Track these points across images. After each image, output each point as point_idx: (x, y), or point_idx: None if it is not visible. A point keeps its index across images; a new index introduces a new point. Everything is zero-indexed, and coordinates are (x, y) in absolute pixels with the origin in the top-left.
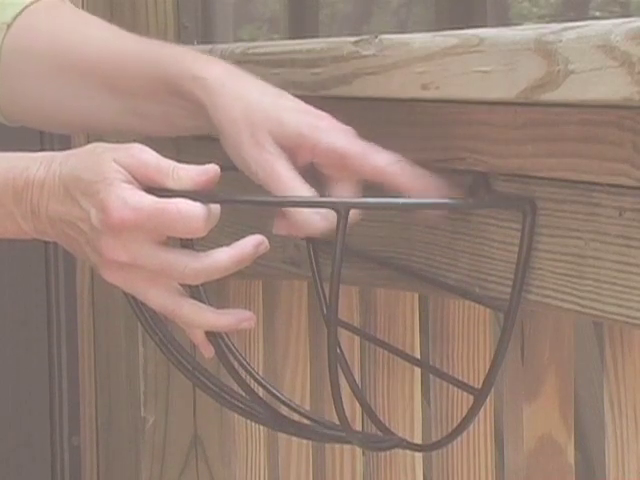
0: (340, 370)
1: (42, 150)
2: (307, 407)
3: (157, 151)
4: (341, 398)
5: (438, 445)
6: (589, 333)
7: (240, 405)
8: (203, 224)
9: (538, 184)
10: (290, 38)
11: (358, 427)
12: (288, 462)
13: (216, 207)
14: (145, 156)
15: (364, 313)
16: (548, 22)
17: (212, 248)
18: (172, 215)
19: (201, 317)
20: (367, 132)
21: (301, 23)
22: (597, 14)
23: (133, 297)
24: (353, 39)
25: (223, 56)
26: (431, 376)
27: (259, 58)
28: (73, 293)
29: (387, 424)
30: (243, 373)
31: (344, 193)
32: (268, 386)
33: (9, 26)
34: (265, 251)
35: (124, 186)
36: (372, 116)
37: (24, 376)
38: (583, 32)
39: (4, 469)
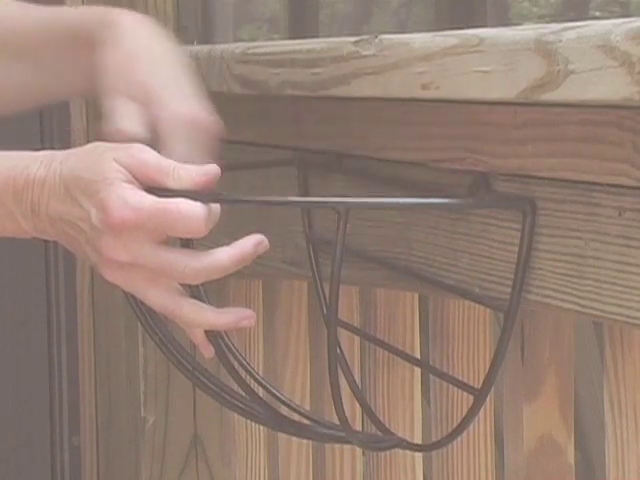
0: (340, 370)
1: (42, 149)
2: (307, 407)
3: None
4: (341, 398)
5: (438, 445)
6: (589, 333)
7: (240, 405)
8: (204, 224)
9: (538, 184)
10: (290, 38)
11: (358, 427)
12: (288, 462)
13: (216, 207)
14: (145, 156)
15: (364, 313)
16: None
17: (212, 248)
18: (173, 215)
19: (201, 316)
20: (367, 132)
21: (301, 23)
22: (597, 14)
23: (133, 297)
24: (353, 39)
25: (223, 56)
26: (431, 376)
27: (259, 58)
28: (73, 293)
29: (387, 424)
30: (243, 373)
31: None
32: (268, 386)
33: None
34: (265, 250)
35: (125, 186)
36: (372, 116)
37: (24, 376)
38: (583, 32)
39: (4, 469)
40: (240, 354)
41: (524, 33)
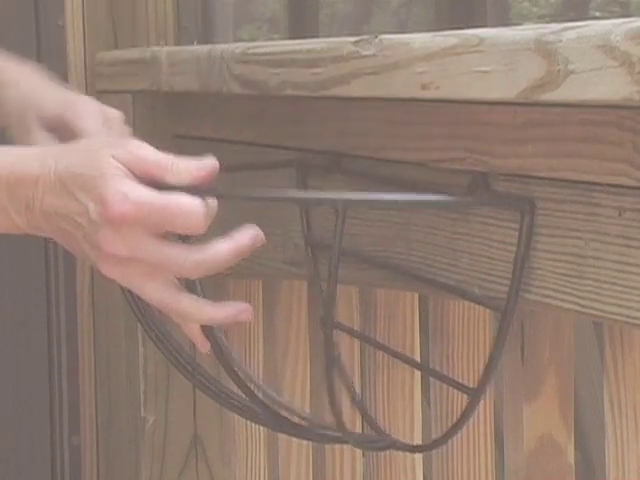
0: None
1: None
2: (307, 406)
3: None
4: (338, 399)
5: (433, 445)
6: (589, 333)
7: (238, 405)
8: (203, 220)
9: (538, 184)
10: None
11: (358, 428)
12: (288, 462)
13: (213, 202)
14: (143, 152)
15: (364, 313)
16: (548, 22)
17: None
18: (173, 210)
19: (200, 310)
20: (367, 132)
21: (301, 23)
22: (597, 14)
23: (131, 293)
24: (353, 39)
25: (223, 56)
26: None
27: (259, 58)
28: (73, 293)
29: (387, 424)
30: (242, 373)
31: None
32: (266, 389)
33: None
34: (262, 244)
35: (124, 181)
36: (372, 116)
37: (24, 376)
38: (583, 32)
39: (4, 469)
40: (237, 355)
41: (524, 33)
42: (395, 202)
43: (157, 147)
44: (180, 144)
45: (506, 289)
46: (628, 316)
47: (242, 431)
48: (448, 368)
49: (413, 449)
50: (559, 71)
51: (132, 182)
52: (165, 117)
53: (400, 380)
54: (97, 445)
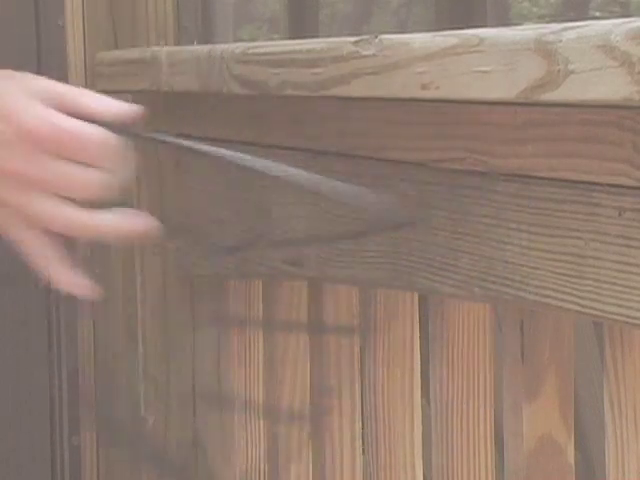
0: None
1: None
2: (308, 406)
3: (157, 152)
4: None
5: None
6: (589, 333)
7: None
8: (114, 155)
9: (538, 184)
10: (290, 38)
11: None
12: (288, 462)
13: (128, 144)
14: (62, 86)
15: (364, 313)
16: (548, 22)
17: (212, 243)
18: (87, 137)
19: (84, 216)
20: (367, 132)
21: (301, 23)
22: (597, 14)
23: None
24: (353, 39)
25: (223, 56)
26: (431, 376)
27: (259, 58)
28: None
29: (387, 424)
30: None
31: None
32: None
33: None
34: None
35: (40, 105)
36: (372, 116)
37: (24, 376)
38: (583, 32)
39: (4, 469)
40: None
41: (524, 33)
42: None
43: (157, 147)
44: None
45: (506, 289)
46: (628, 316)
47: (242, 431)
48: (448, 368)
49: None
50: (559, 71)
51: (47, 107)
52: (165, 117)
53: (400, 380)
54: (97, 445)
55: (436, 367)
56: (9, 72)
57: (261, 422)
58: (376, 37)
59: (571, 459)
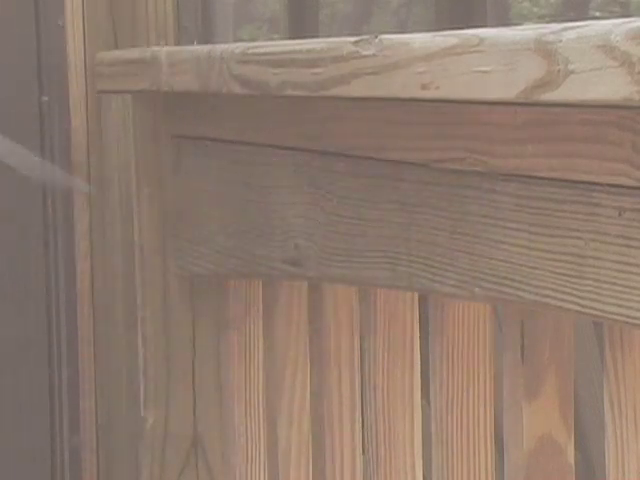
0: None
1: (42, 147)
2: (307, 406)
3: (157, 152)
4: None
5: None
6: (589, 333)
7: None
8: None
9: (538, 184)
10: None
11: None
12: (288, 462)
13: None
14: None
15: (364, 313)
16: (548, 22)
17: (209, 247)
18: None
19: None
20: (367, 132)
21: (301, 23)
22: (597, 14)
23: None
24: (353, 39)
25: (223, 56)
26: (431, 376)
27: (259, 58)
28: (73, 293)
29: (387, 424)
30: None
31: None
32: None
33: None
34: None
35: None
36: (372, 116)
37: (24, 376)
38: (583, 32)
39: (4, 469)
40: None
41: (524, 33)
42: None
43: (157, 147)
44: (180, 144)
45: (506, 289)
46: (628, 316)
47: (242, 431)
48: (448, 368)
49: None
50: (559, 71)
51: None
52: (165, 117)
53: (400, 380)
54: (97, 445)
55: (436, 367)
56: None
57: (261, 422)
58: (376, 37)
59: (571, 459)
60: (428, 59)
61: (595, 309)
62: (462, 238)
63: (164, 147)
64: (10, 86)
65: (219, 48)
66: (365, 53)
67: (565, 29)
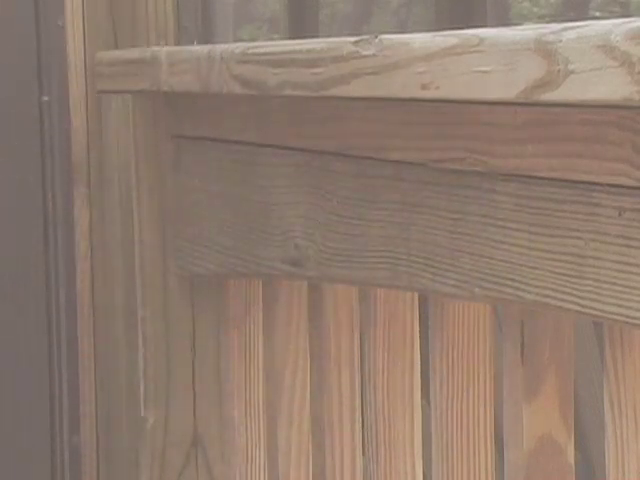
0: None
1: (42, 147)
2: (307, 407)
3: (157, 152)
4: None
5: None
6: (589, 333)
7: None
8: None
9: (538, 184)
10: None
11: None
12: (288, 462)
13: None
14: None
15: (364, 313)
16: (548, 22)
17: (209, 247)
18: None
19: None
20: (367, 132)
21: (301, 23)
22: (597, 14)
23: None
24: (353, 39)
25: (223, 56)
26: (431, 376)
27: (259, 58)
28: (73, 293)
29: (387, 424)
30: None
31: None
32: None
33: None
34: None
35: None
36: (372, 116)
37: (24, 376)
38: (583, 32)
39: (4, 469)
40: None
41: (524, 33)
42: None
43: (157, 147)
44: (180, 144)
45: (506, 289)
46: (628, 316)
47: (242, 431)
48: (448, 368)
49: None
50: (559, 71)
51: None
52: (165, 117)
53: (400, 380)
54: (97, 445)
55: (436, 367)
56: None
57: (261, 422)
58: (376, 37)
59: (571, 459)
60: (428, 59)
61: (595, 309)
62: (462, 238)
63: (164, 147)
64: (10, 86)
65: (219, 48)
66: (365, 53)
67: (565, 29)
